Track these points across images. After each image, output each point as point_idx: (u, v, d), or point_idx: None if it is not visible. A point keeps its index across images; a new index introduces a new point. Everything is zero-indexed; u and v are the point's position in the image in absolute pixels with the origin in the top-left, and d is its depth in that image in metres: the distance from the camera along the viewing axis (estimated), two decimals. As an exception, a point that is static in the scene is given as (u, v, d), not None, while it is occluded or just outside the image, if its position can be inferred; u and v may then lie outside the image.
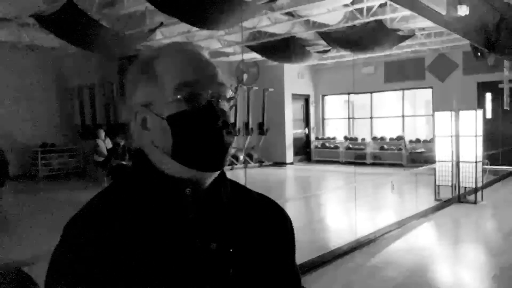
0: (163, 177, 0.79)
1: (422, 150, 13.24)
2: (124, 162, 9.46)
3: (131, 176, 0.83)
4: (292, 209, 6.88)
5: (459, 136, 7.93)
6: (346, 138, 15.12)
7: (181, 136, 0.75)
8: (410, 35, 10.08)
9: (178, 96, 0.75)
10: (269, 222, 0.88)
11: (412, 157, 13.44)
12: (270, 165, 14.29)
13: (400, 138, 13.92)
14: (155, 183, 0.79)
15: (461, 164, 7.90)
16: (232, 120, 0.82)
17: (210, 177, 0.80)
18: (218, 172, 0.81)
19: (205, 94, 0.76)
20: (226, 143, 0.77)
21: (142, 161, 0.81)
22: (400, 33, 9.95)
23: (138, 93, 0.79)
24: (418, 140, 13.65)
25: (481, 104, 11.47)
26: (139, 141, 0.81)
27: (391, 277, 4.31)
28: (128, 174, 0.83)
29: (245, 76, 12.76)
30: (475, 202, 7.67)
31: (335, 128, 15.97)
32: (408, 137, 13.91)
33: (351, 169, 11.77)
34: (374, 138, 14.59)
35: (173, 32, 10.01)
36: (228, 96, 0.79)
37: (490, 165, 9.00)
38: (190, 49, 0.80)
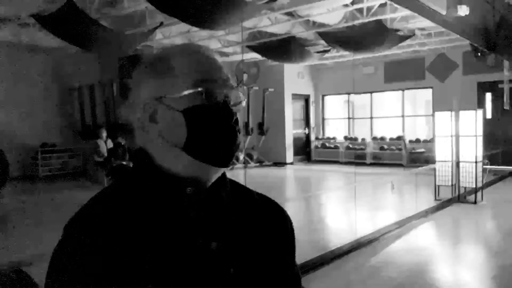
0: (164, 176, 0.79)
1: (422, 150, 13.24)
2: (124, 162, 9.45)
3: (132, 175, 0.83)
4: (292, 209, 6.89)
5: (459, 136, 7.93)
6: (346, 138, 15.12)
7: (197, 129, 0.76)
8: (410, 35, 10.08)
9: (199, 89, 0.76)
10: (270, 222, 0.88)
11: (412, 157, 13.44)
12: (270, 165, 14.28)
13: (400, 138, 13.92)
14: (156, 182, 0.79)
15: (461, 164, 7.90)
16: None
17: (214, 176, 0.81)
18: (221, 171, 0.82)
19: (221, 93, 0.78)
20: (238, 140, 0.80)
21: (143, 160, 0.81)
22: (400, 33, 9.95)
23: (150, 86, 0.80)
24: (418, 140, 13.65)
25: (481, 104, 11.47)
26: (143, 136, 0.81)
27: (391, 277, 4.31)
28: (129, 174, 0.83)
29: (245, 76, 12.76)
30: (475, 202, 7.67)
31: (335, 128, 15.97)
32: (408, 137, 13.90)
33: (351, 169, 11.77)
34: (374, 138, 14.59)
35: (173, 32, 10.02)
36: (239, 100, 0.81)
37: (490, 165, 9.00)
38: (206, 51, 0.83)
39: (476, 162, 7.72)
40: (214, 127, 0.77)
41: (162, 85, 0.79)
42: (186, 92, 0.77)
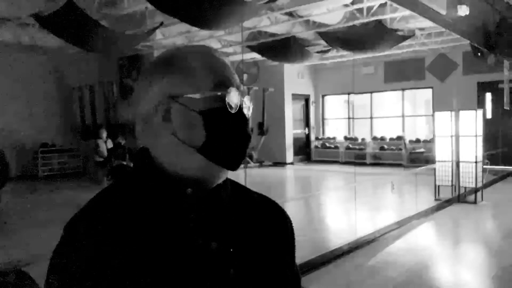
0: (166, 177, 0.78)
1: (422, 150, 13.24)
2: (124, 162, 9.46)
3: (132, 175, 0.82)
4: (292, 209, 6.88)
5: (459, 136, 7.93)
6: (346, 138, 15.12)
7: (215, 132, 0.76)
8: (410, 35, 10.08)
9: (219, 93, 0.76)
10: (270, 222, 0.88)
11: (412, 157, 13.44)
12: (270, 165, 14.28)
13: (400, 138, 13.92)
14: (157, 183, 0.78)
15: (461, 164, 7.90)
16: None
17: (222, 178, 0.81)
18: (227, 173, 0.83)
19: (237, 98, 0.78)
20: (249, 145, 0.82)
21: (144, 160, 0.81)
22: (400, 33, 9.95)
23: (164, 84, 0.78)
24: (418, 140, 13.65)
25: (481, 104, 11.47)
26: (146, 135, 0.80)
27: (391, 277, 4.31)
28: (129, 174, 0.83)
29: (245, 76, 12.76)
30: (475, 202, 7.67)
31: (335, 128, 15.97)
32: (408, 137, 13.91)
33: (351, 169, 11.76)
34: (374, 138, 14.59)
35: (173, 32, 10.02)
36: (250, 105, 0.81)
37: (490, 165, 9.00)
38: (221, 55, 0.83)
39: (476, 162, 7.72)
40: (231, 131, 0.77)
41: (178, 83, 0.77)
42: (207, 94, 0.76)
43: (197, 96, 0.76)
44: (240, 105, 0.78)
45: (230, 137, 0.77)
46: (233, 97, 0.77)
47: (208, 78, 0.77)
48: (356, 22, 9.04)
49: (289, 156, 14.98)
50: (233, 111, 0.77)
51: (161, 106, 0.77)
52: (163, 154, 0.79)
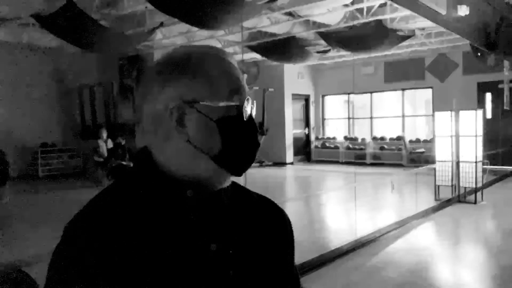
0: (166, 178, 0.78)
1: (422, 150, 13.24)
2: (124, 162, 9.46)
3: (132, 175, 0.82)
4: (292, 209, 6.89)
5: (459, 136, 7.93)
6: (346, 138, 15.12)
7: (230, 141, 0.76)
8: (410, 35, 10.08)
9: (233, 103, 0.76)
10: (269, 223, 0.88)
11: (412, 157, 13.44)
12: (270, 165, 14.28)
13: (400, 138, 13.92)
14: (158, 184, 0.78)
15: (461, 164, 7.89)
16: None
17: (227, 182, 0.82)
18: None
19: (248, 106, 0.78)
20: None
21: (146, 161, 0.80)
22: (400, 33, 9.95)
23: (181, 87, 0.76)
24: (418, 140, 13.65)
25: (481, 104, 11.47)
26: (151, 136, 0.79)
27: (391, 277, 4.31)
28: (129, 174, 0.83)
29: (245, 76, 12.72)
30: (475, 202, 7.67)
31: (335, 128, 15.97)
32: (408, 137, 13.90)
33: (351, 169, 11.78)
34: (374, 138, 14.59)
35: (173, 32, 10.02)
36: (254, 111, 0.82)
37: (490, 165, 8.99)
38: (233, 59, 0.82)
39: (476, 162, 7.72)
40: (244, 139, 0.78)
41: (196, 89, 0.76)
42: (227, 104, 0.76)
43: (217, 104, 0.75)
44: (251, 113, 0.78)
45: (243, 145, 0.78)
46: (247, 106, 0.78)
47: (225, 86, 0.77)
48: (356, 22, 9.04)
49: (289, 156, 14.98)
50: (245, 119, 0.77)
51: (176, 109, 0.76)
52: (170, 157, 0.78)
